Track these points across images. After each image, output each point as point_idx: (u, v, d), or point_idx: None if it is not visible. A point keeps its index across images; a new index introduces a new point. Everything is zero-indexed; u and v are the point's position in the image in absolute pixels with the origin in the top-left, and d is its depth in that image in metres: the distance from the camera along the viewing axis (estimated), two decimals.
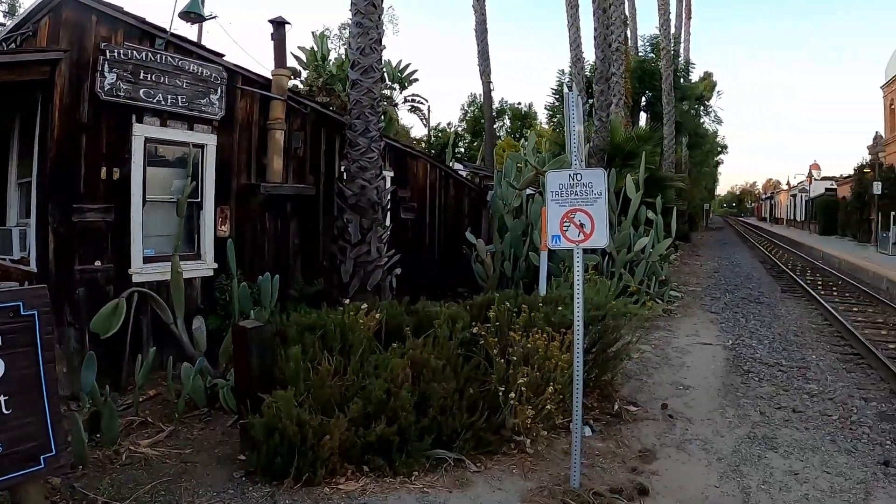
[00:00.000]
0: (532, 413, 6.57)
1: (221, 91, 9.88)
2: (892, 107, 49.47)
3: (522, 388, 6.57)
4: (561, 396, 6.81)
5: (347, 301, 7.70)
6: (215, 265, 9.86)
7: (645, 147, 21.93)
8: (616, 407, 8.18)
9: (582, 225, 5.99)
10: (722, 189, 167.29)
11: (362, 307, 7.29)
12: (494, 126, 45.63)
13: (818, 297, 18.91)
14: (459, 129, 63.29)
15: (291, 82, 14.50)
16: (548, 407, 6.68)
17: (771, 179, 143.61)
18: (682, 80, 42.61)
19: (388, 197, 11.48)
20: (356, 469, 5.84)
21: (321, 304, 8.37)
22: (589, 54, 27.22)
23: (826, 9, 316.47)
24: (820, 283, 23.95)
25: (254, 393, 6.06)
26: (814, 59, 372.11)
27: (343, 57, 19.25)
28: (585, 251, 6.30)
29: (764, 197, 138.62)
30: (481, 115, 44.30)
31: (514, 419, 6.57)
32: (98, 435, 6.39)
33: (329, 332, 6.84)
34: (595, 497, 5.63)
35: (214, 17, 12.41)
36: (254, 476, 5.82)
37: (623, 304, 9.37)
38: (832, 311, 16.46)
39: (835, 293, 21.33)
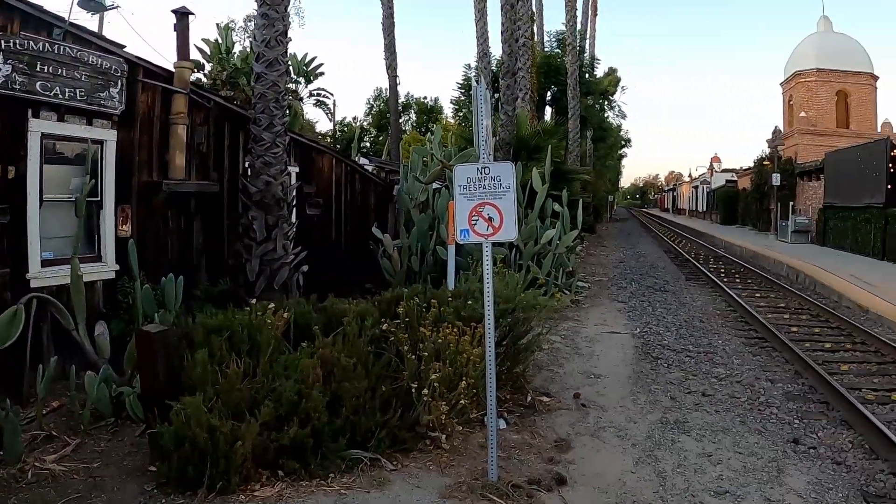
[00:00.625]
0: (446, 408, 6.52)
1: (122, 84, 9.48)
2: (791, 103, 52.11)
3: (435, 384, 6.52)
4: (474, 390, 6.79)
5: (254, 301, 7.52)
6: (117, 267, 9.48)
7: (550, 141, 22.14)
8: (529, 398, 8.21)
9: (490, 218, 5.96)
10: (626, 181, 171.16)
11: (270, 306, 7.09)
12: (400, 120, 45.41)
13: (721, 285, 19.48)
14: (365, 123, 62.76)
15: (195, 75, 14.16)
16: (462, 402, 6.66)
17: (673, 172, 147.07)
18: (587, 76, 43.22)
19: (294, 193, 11.29)
20: (271, 474, 5.67)
21: (228, 304, 8.12)
22: (496, 49, 27.32)
23: (730, 12, 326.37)
24: (723, 270, 24.68)
25: (161, 400, 5.82)
26: (718, 58, 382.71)
27: (248, 50, 18.90)
28: (494, 244, 6.26)
29: (667, 189, 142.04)
30: (387, 109, 44.02)
31: (428, 415, 6.51)
32: (0, 452, 6.05)
33: (236, 333, 6.62)
34: (514, 489, 5.61)
35: (116, 7, 11.99)
36: (166, 487, 5.56)
37: (532, 296, 9.38)
38: (735, 297, 16.96)
39: (737, 280, 22.03)
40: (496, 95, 24.81)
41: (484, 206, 5.99)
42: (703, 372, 10.13)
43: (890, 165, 28.70)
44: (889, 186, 28.50)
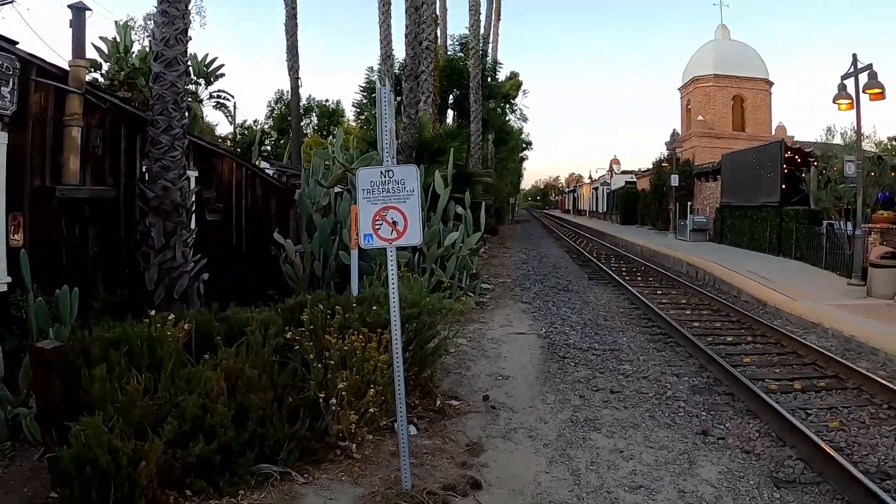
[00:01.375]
0: (355, 417, 6.43)
1: (14, 83, 8.89)
2: (689, 107, 55.50)
3: (343, 392, 6.42)
4: (383, 397, 6.71)
5: (154, 311, 7.27)
6: (9, 279, 8.89)
7: (453, 144, 22.23)
8: (438, 403, 8.18)
9: (395, 223, 5.89)
10: (527, 183, 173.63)
11: (170, 317, 6.87)
12: (302, 124, 44.96)
13: (624, 283, 19.91)
14: (266, 126, 62.10)
15: (91, 75, 13.65)
16: (371, 409, 6.57)
17: (574, 174, 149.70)
18: (489, 79, 43.65)
19: (193, 198, 10.98)
20: (179, 494, 5.39)
21: (126, 315, 7.81)
22: (399, 52, 27.37)
23: (630, 19, 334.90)
24: (624, 269, 25.25)
25: (59, 421, 5.51)
26: (618, 63, 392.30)
27: (147, 49, 18.36)
28: (398, 248, 6.18)
29: (567, 190, 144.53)
30: (288, 112, 43.49)
31: (337, 425, 6.40)
32: None
33: (136, 346, 6.34)
34: (429, 496, 5.57)
35: (11, 2, 11.39)
36: None
37: (437, 299, 9.38)
38: (638, 295, 17.35)
39: (639, 278, 22.56)
40: (399, 98, 24.77)
41: (388, 210, 5.91)
42: (609, 369, 10.34)
43: (784, 166, 30.07)
44: (784, 186, 29.82)
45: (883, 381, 9.63)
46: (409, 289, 9.11)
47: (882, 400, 9.15)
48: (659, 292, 19.14)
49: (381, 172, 5.98)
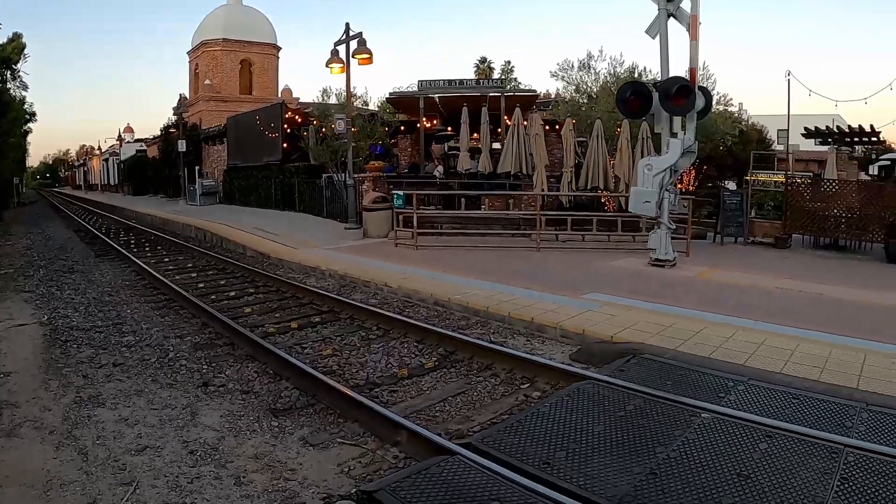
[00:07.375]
0: None
1: None
2: (197, 71, 57.11)
3: None
4: None
5: None
6: None
7: None
8: None
9: None
10: (34, 160, 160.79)
11: None
12: None
13: (131, 256, 19.94)
14: None
15: None
16: None
17: (84, 146, 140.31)
18: None
19: None
20: None
21: None
22: None
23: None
24: (133, 242, 25.30)
25: None
26: (130, 27, 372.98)
27: None
28: None
29: (78, 164, 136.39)
30: None
31: None
32: None
33: None
34: None
35: None
36: None
37: None
38: (144, 266, 17.63)
39: (147, 249, 22.85)
40: None
41: None
42: (112, 344, 10.58)
43: (286, 126, 32.07)
44: (285, 145, 31.92)
45: (372, 308, 11.51)
46: None
47: (372, 324, 10.95)
48: (166, 260, 19.66)
49: None
